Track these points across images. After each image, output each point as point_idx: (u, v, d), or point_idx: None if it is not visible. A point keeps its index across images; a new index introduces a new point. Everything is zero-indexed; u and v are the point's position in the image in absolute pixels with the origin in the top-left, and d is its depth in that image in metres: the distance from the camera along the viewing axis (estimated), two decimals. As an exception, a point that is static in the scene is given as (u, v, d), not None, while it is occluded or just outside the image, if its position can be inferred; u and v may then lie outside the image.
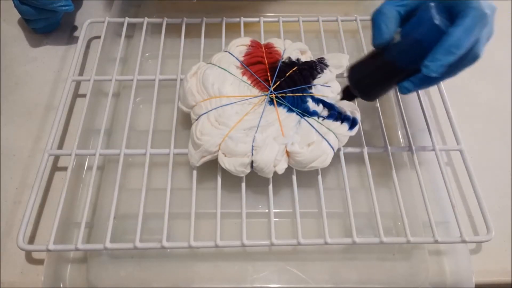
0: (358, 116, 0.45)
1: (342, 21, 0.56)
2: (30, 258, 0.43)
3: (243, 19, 0.56)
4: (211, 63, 0.49)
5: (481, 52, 0.35)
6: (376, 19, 0.37)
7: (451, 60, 0.34)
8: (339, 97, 0.47)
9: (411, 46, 0.36)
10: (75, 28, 0.61)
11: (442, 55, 0.34)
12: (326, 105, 0.45)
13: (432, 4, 0.35)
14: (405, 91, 0.37)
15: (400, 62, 0.37)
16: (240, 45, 0.50)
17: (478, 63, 0.58)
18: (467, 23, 0.33)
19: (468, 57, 0.35)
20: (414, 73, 0.37)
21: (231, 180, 0.44)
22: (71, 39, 0.60)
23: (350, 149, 0.46)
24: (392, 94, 0.53)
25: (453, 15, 0.35)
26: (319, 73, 0.48)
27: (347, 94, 0.44)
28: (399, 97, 0.50)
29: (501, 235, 0.45)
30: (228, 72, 0.48)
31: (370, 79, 0.40)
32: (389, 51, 0.37)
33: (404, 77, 0.37)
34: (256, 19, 0.56)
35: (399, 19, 0.37)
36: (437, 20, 0.34)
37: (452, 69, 0.36)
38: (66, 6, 0.55)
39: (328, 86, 0.47)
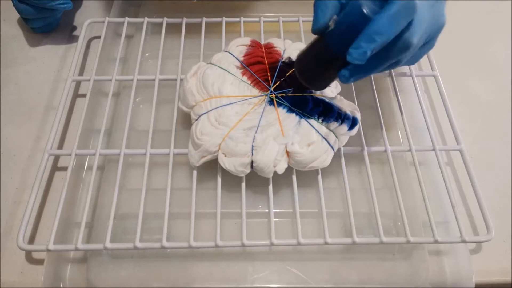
0: (358, 116, 0.45)
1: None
2: (30, 258, 0.43)
3: (243, 19, 0.56)
4: (211, 63, 0.49)
5: (414, 39, 0.35)
6: (315, 5, 0.37)
7: (373, 47, 0.33)
8: (339, 96, 0.47)
9: (343, 32, 0.36)
10: (75, 28, 0.61)
11: (365, 42, 0.34)
12: (326, 105, 0.45)
13: None
14: (343, 79, 0.37)
15: (334, 48, 0.37)
16: (240, 45, 0.50)
17: (478, 63, 0.59)
18: (390, 10, 0.33)
19: (398, 45, 0.35)
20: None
21: (231, 180, 0.44)
22: (71, 39, 0.60)
23: (350, 149, 0.46)
24: (392, 94, 0.53)
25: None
26: (319, 73, 0.48)
27: (297, 85, 0.45)
28: (399, 97, 0.50)
29: (501, 235, 0.45)
30: (228, 72, 0.48)
31: (312, 66, 0.40)
32: (325, 37, 0.37)
33: (341, 63, 0.37)
34: (256, 19, 0.56)
35: (338, 6, 0.36)
36: (365, 7, 0.34)
37: (383, 57, 0.36)
38: (65, 4, 0.55)
39: (328, 86, 0.47)
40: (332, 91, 0.47)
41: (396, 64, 0.38)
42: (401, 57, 0.36)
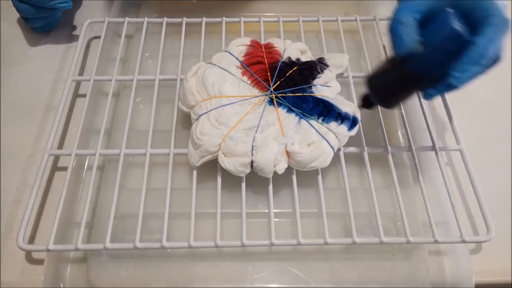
0: (358, 116, 0.45)
1: (342, 21, 0.56)
2: (30, 258, 0.43)
3: (243, 19, 0.56)
4: (211, 63, 0.49)
5: (502, 53, 0.36)
6: (396, 29, 0.36)
7: (478, 70, 0.34)
8: (339, 96, 0.47)
9: (432, 54, 0.36)
10: (74, 27, 0.61)
11: (470, 66, 0.34)
12: (326, 105, 0.45)
13: (451, 10, 0.34)
14: (429, 97, 0.37)
15: (421, 70, 0.37)
16: (240, 45, 0.50)
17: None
18: (491, 32, 0.34)
19: (492, 61, 0.36)
20: (434, 78, 0.36)
21: (231, 180, 0.44)
22: (71, 39, 0.60)
23: (350, 149, 0.46)
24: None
25: (471, 21, 0.35)
26: (319, 73, 0.48)
27: (366, 103, 0.44)
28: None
29: (501, 235, 0.45)
30: (228, 72, 0.48)
31: (391, 88, 0.40)
32: (409, 59, 0.37)
33: (424, 83, 0.37)
34: (256, 19, 0.56)
35: (417, 25, 0.36)
36: (457, 25, 0.34)
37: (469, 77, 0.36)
38: (65, 3, 0.55)
39: (328, 86, 0.47)
40: (332, 91, 0.47)
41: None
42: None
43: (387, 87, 0.40)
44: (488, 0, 0.35)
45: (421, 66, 0.37)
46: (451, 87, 0.36)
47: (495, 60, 0.36)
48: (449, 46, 0.35)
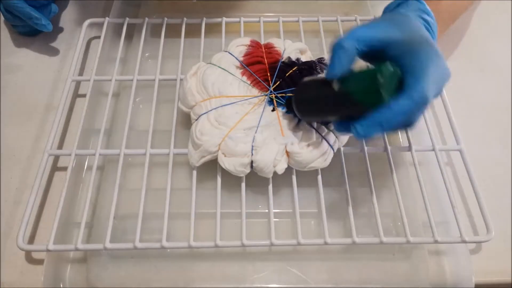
0: (358, 116, 0.45)
1: (342, 21, 0.56)
2: (30, 258, 0.43)
3: (243, 19, 0.56)
4: (211, 63, 0.49)
5: (417, 121, 0.35)
6: (334, 52, 0.36)
7: (379, 131, 0.34)
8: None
9: (350, 93, 0.35)
10: (74, 28, 0.61)
11: (372, 127, 0.34)
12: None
13: (384, 66, 0.34)
14: (355, 135, 0.36)
15: (340, 101, 0.36)
16: (240, 45, 0.50)
17: (478, 63, 0.59)
18: (405, 105, 0.33)
19: (401, 126, 0.35)
20: (348, 114, 0.37)
21: (231, 180, 0.44)
22: (71, 39, 0.60)
23: (350, 149, 0.46)
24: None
25: (402, 83, 0.34)
26: (319, 73, 0.48)
27: (288, 107, 0.44)
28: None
29: (501, 235, 0.45)
30: (228, 72, 0.48)
31: (312, 103, 0.39)
32: (340, 84, 0.36)
33: (344, 114, 0.37)
34: (256, 19, 0.56)
35: (355, 56, 0.36)
36: (383, 90, 0.33)
37: (382, 130, 0.35)
38: (44, 26, 0.55)
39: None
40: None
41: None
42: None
43: (309, 101, 0.40)
44: (423, 61, 0.34)
45: (341, 98, 0.36)
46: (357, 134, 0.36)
47: (407, 125, 0.36)
48: (364, 96, 0.34)
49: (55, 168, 0.49)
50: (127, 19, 0.56)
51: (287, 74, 0.47)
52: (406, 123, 0.35)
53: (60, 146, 0.50)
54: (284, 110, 0.45)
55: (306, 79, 0.41)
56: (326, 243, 0.40)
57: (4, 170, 0.48)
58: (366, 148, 0.46)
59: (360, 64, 0.38)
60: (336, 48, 0.36)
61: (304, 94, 0.40)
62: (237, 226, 0.42)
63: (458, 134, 0.47)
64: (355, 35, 0.36)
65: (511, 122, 0.53)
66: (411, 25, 0.39)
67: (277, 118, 0.44)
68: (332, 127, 0.43)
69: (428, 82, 0.34)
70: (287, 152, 0.42)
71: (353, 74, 0.36)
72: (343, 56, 0.36)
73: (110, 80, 0.51)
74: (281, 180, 0.44)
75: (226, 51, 0.50)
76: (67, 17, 0.62)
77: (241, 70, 0.48)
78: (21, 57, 0.58)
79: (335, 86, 0.36)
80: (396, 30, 0.37)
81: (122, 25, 0.56)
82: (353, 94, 0.35)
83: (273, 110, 0.45)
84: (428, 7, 0.43)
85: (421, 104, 0.33)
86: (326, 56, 0.50)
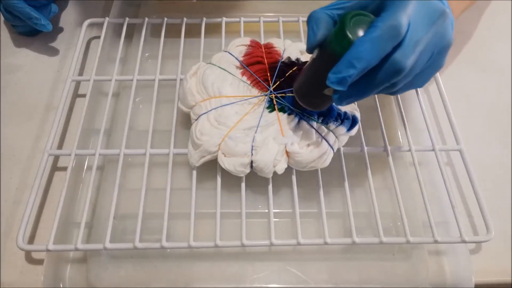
0: (358, 116, 0.45)
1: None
2: (29, 258, 0.43)
3: (243, 19, 0.56)
4: (211, 63, 0.49)
5: (406, 62, 0.32)
6: (308, 25, 0.35)
7: (353, 73, 0.32)
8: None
9: (329, 55, 0.34)
10: (74, 28, 0.61)
11: (344, 68, 0.32)
12: (326, 105, 0.45)
13: (351, 13, 0.33)
14: (335, 102, 0.35)
15: (321, 69, 0.35)
16: (240, 45, 0.50)
17: (478, 63, 0.59)
18: (372, 34, 0.32)
19: (388, 68, 0.33)
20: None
21: (230, 180, 0.44)
22: (71, 39, 0.60)
23: (350, 149, 0.46)
24: (392, 94, 0.53)
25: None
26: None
27: (297, 103, 0.43)
28: (399, 97, 0.50)
29: (501, 235, 0.45)
30: (228, 72, 0.48)
31: (308, 87, 0.39)
32: (316, 57, 0.36)
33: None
34: (256, 19, 0.56)
35: (331, 23, 0.35)
36: (349, 31, 0.32)
37: (373, 81, 0.34)
38: (44, 26, 0.55)
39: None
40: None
41: (393, 87, 0.36)
42: (396, 81, 0.34)
43: (305, 86, 0.39)
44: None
45: (320, 60, 0.36)
46: (348, 94, 0.34)
47: (393, 69, 0.33)
48: (341, 50, 0.33)
49: (55, 168, 0.49)
50: (127, 19, 0.56)
51: (287, 74, 0.47)
52: (391, 64, 0.33)
53: (60, 146, 0.50)
54: (287, 113, 0.44)
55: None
56: (326, 243, 0.40)
57: (4, 170, 0.48)
58: (366, 148, 0.46)
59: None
60: (308, 21, 0.35)
61: (297, 81, 0.40)
62: (237, 226, 0.42)
63: (458, 134, 0.47)
64: (330, 4, 0.36)
65: (511, 122, 0.53)
66: None
67: (277, 118, 0.44)
68: (332, 127, 0.43)
69: (399, 12, 0.32)
70: (287, 152, 0.42)
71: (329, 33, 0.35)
72: (315, 25, 0.35)
73: (110, 80, 0.51)
74: (281, 180, 0.44)
75: (226, 51, 0.50)
76: (67, 17, 0.62)
77: (241, 70, 0.48)
78: (21, 57, 0.58)
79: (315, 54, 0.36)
80: None
81: (122, 25, 0.56)
82: (328, 49, 0.34)
83: (271, 111, 0.45)
84: None
85: (391, 31, 0.32)
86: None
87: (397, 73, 0.33)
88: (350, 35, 0.33)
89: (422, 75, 0.37)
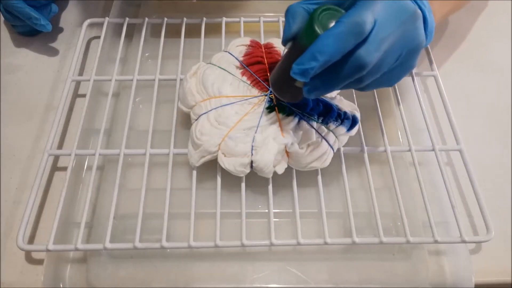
0: (358, 116, 0.45)
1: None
2: (29, 258, 0.43)
3: (243, 19, 0.56)
4: (211, 63, 0.49)
5: (369, 59, 0.33)
6: (285, 19, 0.36)
7: (315, 65, 0.32)
8: (339, 96, 0.47)
9: (299, 48, 0.35)
10: (74, 28, 0.61)
11: (307, 60, 0.33)
12: (326, 105, 0.45)
13: (322, 7, 0.34)
14: (304, 94, 0.36)
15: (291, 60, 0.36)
16: (240, 45, 0.50)
17: (478, 63, 0.59)
18: (336, 29, 0.32)
19: (351, 63, 0.33)
20: None
21: (230, 180, 0.44)
22: (71, 39, 0.60)
23: (350, 149, 0.46)
24: (392, 94, 0.53)
25: None
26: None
27: (276, 98, 0.44)
28: (399, 97, 0.50)
29: (501, 235, 0.45)
30: (228, 72, 0.48)
31: (280, 78, 0.39)
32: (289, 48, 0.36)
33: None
34: (256, 19, 0.56)
35: (306, 17, 0.35)
36: (316, 25, 0.33)
37: (337, 75, 0.34)
38: (44, 26, 0.55)
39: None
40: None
41: (360, 83, 0.36)
42: (361, 77, 0.35)
43: (278, 77, 0.40)
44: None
45: (291, 52, 0.36)
46: (315, 86, 0.35)
47: (356, 64, 0.33)
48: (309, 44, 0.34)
49: (55, 168, 0.49)
50: (127, 19, 0.56)
51: (287, 74, 0.47)
52: (357, 61, 0.33)
53: (60, 146, 0.50)
54: (287, 113, 0.44)
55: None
56: (326, 243, 0.40)
57: (4, 170, 0.48)
58: (366, 148, 0.46)
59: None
60: (285, 14, 0.36)
61: (272, 74, 0.41)
62: (237, 226, 0.42)
63: (458, 134, 0.47)
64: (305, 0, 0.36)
65: (511, 122, 0.53)
66: None
67: (277, 118, 0.44)
68: (332, 127, 0.43)
69: (365, 9, 0.33)
70: (287, 152, 0.42)
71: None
72: (291, 19, 0.35)
73: (110, 80, 0.51)
74: (281, 180, 0.44)
75: (226, 51, 0.50)
76: (67, 17, 0.62)
77: (241, 70, 0.48)
78: (21, 57, 0.58)
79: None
80: None
81: (122, 25, 0.56)
82: (298, 41, 0.35)
83: (271, 111, 0.45)
84: None
85: (354, 27, 0.32)
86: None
87: (360, 69, 0.34)
88: (317, 29, 0.33)
89: (391, 74, 0.37)
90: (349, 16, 0.33)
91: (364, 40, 0.33)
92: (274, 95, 0.44)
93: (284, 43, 0.37)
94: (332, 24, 0.33)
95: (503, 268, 0.43)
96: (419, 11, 0.35)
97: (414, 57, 0.37)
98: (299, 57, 0.34)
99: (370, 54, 0.33)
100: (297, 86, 0.38)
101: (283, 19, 0.56)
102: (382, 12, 0.34)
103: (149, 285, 0.41)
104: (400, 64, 0.37)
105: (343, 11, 0.34)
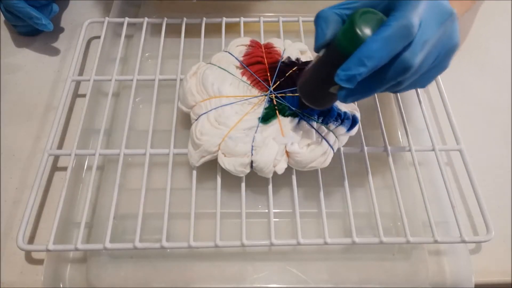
0: (358, 116, 0.45)
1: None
2: (29, 258, 0.43)
3: (243, 19, 0.56)
4: (211, 63, 0.49)
5: (414, 61, 0.33)
6: (316, 24, 0.35)
7: (363, 71, 0.32)
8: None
9: (337, 53, 0.34)
10: (74, 28, 0.61)
11: (354, 65, 0.32)
12: (326, 105, 0.45)
13: (361, 11, 0.33)
14: (340, 99, 0.35)
15: (328, 66, 0.35)
16: (240, 45, 0.50)
17: (478, 63, 0.59)
18: (384, 33, 0.32)
19: (396, 67, 0.33)
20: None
21: (231, 180, 0.44)
22: (71, 39, 0.60)
23: (350, 149, 0.46)
24: (391, 94, 0.53)
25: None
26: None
27: (301, 103, 0.43)
28: (399, 97, 0.50)
29: (501, 235, 0.45)
30: (228, 72, 0.48)
31: (313, 85, 0.39)
32: (325, 54, 0.36)
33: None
34: (256, 19, 0.56)
35: (340, 22, 0.35)
36: (358, 29, 0.32)
37: (380, 79, 0.34)
38: (45, 25, 0.55)
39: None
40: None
41: (398, 85, 0.35)
42: (402, 79, 0.34)
43: (311, 84, 0.39)
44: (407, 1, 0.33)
45: (327, 58, 0.36)
46: (355, 91, 0.34)
47: (402, 67, 0.33)
48: (350, 47, 0.33)
49: (55, 168, 0.49)
50: (127, 19, 0.56)
51: (287, 74, 0.47)
52: (401, 62, 0.33)
53: (60, 146, 0.50)
54: (287, 113, 0.44)
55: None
56: (326, 243, 0.40)
57: (4, 170, 0.48)
58: (366, 148, 0.46)
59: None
60: (316, 20, 0.35)
61: (301, 79, 0.40)
62: (237, 226, 0.42)
63: (458, 134, 0.47)
64: (339, 4, 0.36)
65: (511, 122, 0.53)
66: None
67: (277, 118, 0.44)
68: (332, 127, 0.43)
69: (411, 11, 0.32)
70: (287, 152, 0.42)
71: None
72: (324, 24, 0.35)
73: (110, 80, 0.51)
74: (281, 180, 0.44)
75: (226, 51, 0.50)
76: (68, 17, 0.62)
77: (241, 70, 0.48)
78: (21, 57, 0.58)
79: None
80: None
81: (122, 25, 0.56)
82: (336, 46, 0.34)
83: (271, 111, 0.45)
84: None
85: (403, 31, 0.32)
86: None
87: (405, 72, 0.33)
88: (359, 33, 0.33)
89: (427, 75, 0.37)
90: (397, 19, 0.32)
91: (409, 43, 0.33)
92: (300, 102, 0.43)
93: (317, 49, 0.36)
94: (372, 28, 0.33)
95: (503, 268, 0.43)
96: (455, 11, 0.35)
97: (449, 58, 0.37)
98: (344, 63, 0.33)
99: (415, 56, 0.33)
100: (331, 92, 0.37)
101: (283, 19, 0.56)
102: (425, 13, 0.33)
103: (149, 285, 0.41)
104: (436, 65, 0.36)
105: (380, 13, 0.34)
